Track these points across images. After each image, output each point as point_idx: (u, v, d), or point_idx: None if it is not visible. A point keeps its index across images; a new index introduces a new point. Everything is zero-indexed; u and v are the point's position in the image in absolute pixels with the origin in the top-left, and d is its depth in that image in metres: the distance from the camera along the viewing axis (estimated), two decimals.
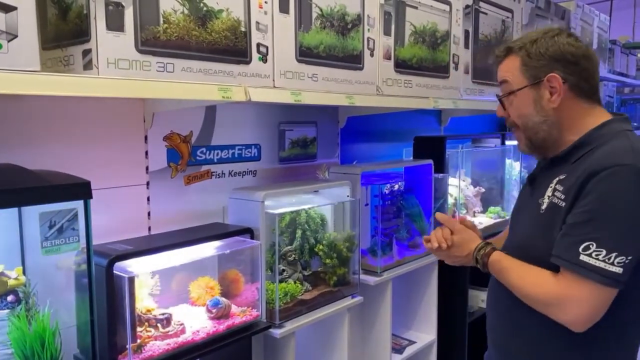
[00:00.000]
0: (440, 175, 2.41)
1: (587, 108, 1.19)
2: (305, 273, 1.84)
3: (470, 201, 2.87)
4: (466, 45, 2.33)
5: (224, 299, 1.53)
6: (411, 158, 2.61)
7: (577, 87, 1.18)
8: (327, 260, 1.83)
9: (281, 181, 2.12)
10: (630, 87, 5.55)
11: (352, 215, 1.91)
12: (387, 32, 1.87)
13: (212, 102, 1.42)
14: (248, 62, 1.41)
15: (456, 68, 2.27)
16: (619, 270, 1.05)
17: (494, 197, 3.00)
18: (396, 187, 2.39)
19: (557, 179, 1.18)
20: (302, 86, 1.56)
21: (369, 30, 1.79)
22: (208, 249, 1.52)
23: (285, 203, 1.81)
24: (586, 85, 1.18)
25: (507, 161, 3.13)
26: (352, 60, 1.74)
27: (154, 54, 1.20)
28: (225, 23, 1.34)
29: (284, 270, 1.78)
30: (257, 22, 1.42)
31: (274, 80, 1.48)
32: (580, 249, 1.07)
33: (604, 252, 1.05)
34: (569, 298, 1.10)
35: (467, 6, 2.29)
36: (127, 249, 1.32)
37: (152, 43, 1.20)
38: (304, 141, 2.23)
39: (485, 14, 2.44)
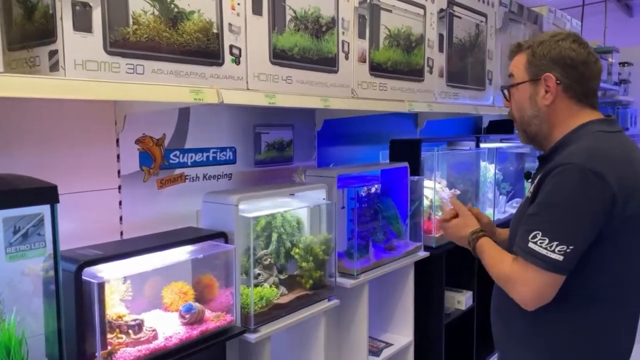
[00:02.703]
0: (416, 177, 2.43)
1: (577, 109, 1.29)
2: (282, 277, 1.82)
3: (446, 203, 2.89)
4: (440, 49, 2.36)
5: (197, 304, 1.51)
6: (387, 161, 2.62)
7: (570, 89, 1.28)
8: (303, 264, 1.82)
9: (257, 184, 2.10)
10: (601, 91, 5.68)
11: (328, 218, 1.90)
12: (361, 36, 1.88)
13: (183, 104, 1.41)
14: (220, 64, 1.39)
15: (431, 71, 2.29)
16: (559, 257, 1.17)
17: (469, 199, 3.03)
18: (373, 189, 2.40)
19: (538, 176, 1.29)
20: (277, 89, 1.55)
21: (343, 33, 1.79)
22: (181, 254, 1.50)
23: (260, 206, 1.80)
24: (580, 88, 1.28)
25: (482, 164, 3.16)
26: (327, 63, 1.74)
27: (124, 56, 1.18)
28: (197, 24, 1.32)
29: (259, 274, 1.76)
30: (230, 24, 1.41)
31: (247, 82, 1.47)
32: (529, 237, 1.20)
33: (547, 241, 1.18)
34: (518, 279, 1.24)
35: (441, 10, 2.31)
36: (97, 254, 1.29)
37: (122, 44, 1.18)
38: (280, 144, 2.22)
39: (460, 18, 2.47)
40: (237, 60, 1.43)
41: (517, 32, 3.06)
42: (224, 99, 1.36)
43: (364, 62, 1.90)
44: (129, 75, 1.20)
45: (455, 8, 2.43)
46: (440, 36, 2.35)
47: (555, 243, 1.17)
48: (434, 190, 2.59)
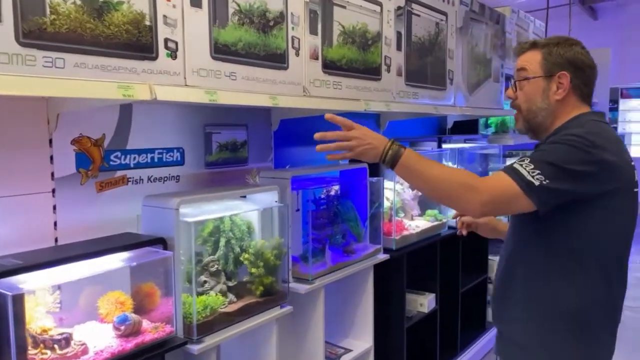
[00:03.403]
0: (375, 179, 2.37)
1: (579, 106, 1.44)
2: (230, 284, 1.74)
3: (408, 204, 2.85)
4: (398, 47, 2.31)
5: (133, 314, 1.42)
6: (347, 162, 2.56)
7: (578, 89, 1.43)
8: (253, 270, 1.74)
9: (208, 187, 2.01)
10: None
11: (280, 221, 1.83)
12: (313, 32, 1.81)
13: (111, 101, 1.31)
14: (154, 59, 1.31)
15: (388, 70, 2.23)
16: (535, 182, 1.26)
17: (432, 200, 2.99)
18: (331, 191, 2.34)
19: None
20: (219, 85, 1.47)
21: (293, 28, 1.72)
22: (115, 262, 1.40)
23: (207, 210, 1.71)
24: (585, 88, 1.44)
25: (447, 164, 3.13)
26: (276, 60, 1.66)
27: (40, 48, 1.09)
28: (127, 16, 1.23)
29: (205, 282, 1.67)
30: (165, 16, 1.32)
31: (185, 78, 1.39)
32: (518, 160, 1.33)
33: (532, 167, 1.28)
34: (484, 182, 1.33)
35: (399, 7, 2.26)
36: (15, 264, 1.18)
37: (37, 35, 1.08)
38: (233, 145, 2.14)
39: (418, 15, 2.43)
40: (173, 55, 1.35)
41: (478, 31, 3.04)
42: (157, 95, 1.27)
43: (317, 59, 1.83)
44: (47, 69, 1.10)
45: (414, 6, 2.39)
46: (398, 34, 2.30)
47: (538, 172, 1.27)
48: (394, 191, 2.54)
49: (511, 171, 1.30)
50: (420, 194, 2.89)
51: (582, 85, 1.43)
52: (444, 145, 3.14)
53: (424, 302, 2.73)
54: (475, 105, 3.04)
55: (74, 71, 1.14)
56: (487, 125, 3.78)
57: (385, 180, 2.58)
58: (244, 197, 1.86)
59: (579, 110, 1.43)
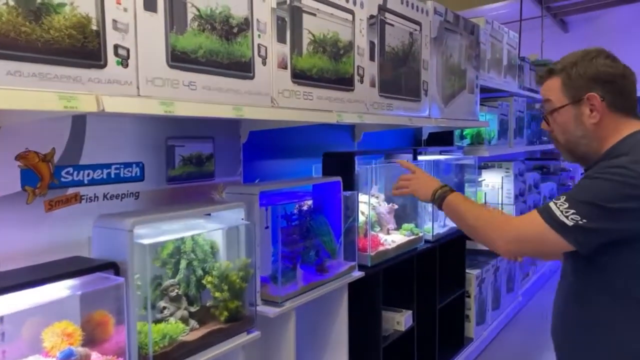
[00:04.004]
0: (349, 192, 2.28)
1: (624, 121, 1.32)
2: (192, 309, 1.61)
3: (384, 218, 2.77)
4: (372, 58, 2.23)
5: (80, 348, 1.28)
6: (320, 175, 2.47)
7: (613, 104, 1.32)
8: (217, 294, 1.62)
9: (170, 204, 1.89)
10: (540, 103, 5.79)
11: (247, 240, 1.71)
12: (281, 40, 1.71)
13: (52, 113, 1.19)
14: (102, 66, 1.19)
15: (361, 81, 2.15)
16: (569, 222, 1.22)
17: (409, 214, 2.92)
18: (304, 206, 2.24)
19: None
20: (176, 95, 1.36)
21: (259, 36, 1.62)
22: (60, 289, 1.27)
23: (168, 230, 1.59)
24: (622, 101, 1.32)
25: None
26: (240, 68, 1.56)
27: None
28: (70, 20, 1.12)
29: (165, 308, 1.55)
30: (115, 20, 1.21)
31: (138, 87, 1.27)
32: (554, 199, 1.28)
33: (566, 205, 1.23)
34: (511, 222, 1.33)
35: (371, 16, 2.19)
36: None
37: None
38: (198, 158, 2.02)
39: (392, 25, 2.36)
40: (124, 63, 1.23)
41: (453, 42, 2.99)
42: (105, 106, 1.16)
43: (285, 68, 1.74)
44: None
45: (387, 15, 2.32)
46: (372, 44, 2.22)
47: (572, 211, 1.22)
48: (369, 205, 2.45)
49: (543, 210, 1.27)
50: (396, 207, 2.81)
51: (618, 99, 1.31)
52: (420, 157, 3.08)
53: (400, 320, 2.63)
54: (450, 117, 2.98)
55: (6, 80, 1.02)
56: (462, 137, 3.74)
57: (360, 194, 2.50)
58: (209, 214, 1.74)
59: (627, 128, 1.32)
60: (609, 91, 1.31)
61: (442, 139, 3.70)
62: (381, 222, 2.77)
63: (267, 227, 1.88)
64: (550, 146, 5.69)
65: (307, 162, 2.57)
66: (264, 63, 1.64)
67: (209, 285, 1.61)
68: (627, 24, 8.46)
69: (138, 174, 1.79)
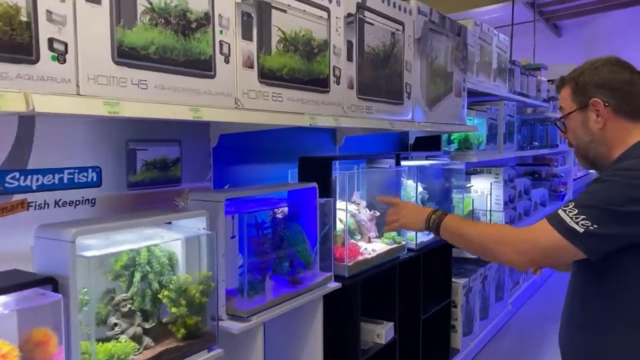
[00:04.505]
0: (324, 199, 2.17)
1: (631, 127, 1.35)
2: (147, 325, 1.50)
3: (365, 226, 2.66)
4: (349, 58, 2.12)
5: None
6: (297, 181, 2.36)
7: (620, 109, 1.35)
8: (174, 309, 1.50)
9: (130, 211, 1.78)
10: (532, 107, 5.70)
11: (209, 251, 1.60)
12: (247, 37, 1.61)
13: None
14: (34, 62, 1.08)
15: (338, 82, 2.04)
16: (580, 229, 1.21)
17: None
18: (278, 214, 2.13)
19: None
20: (124, 94, 1.25)
21: (222, 32, 1.51)
22: None
23: (122, 240, 1.47)
24: (629, 107, 1.35)
25: (408, 182, 2.96)
26: (199, 67, 1.45)
27: None
28: None
29: (116, 325, 1.43)
30: (49, 12, 1.09)
31: (78, 86, 1.16)
32: (562, 206, 1.27)
33: (575, 212, 1.23)
34: (522, 235, 1.32)
35: (349, 14, 2.09)
36: None
37: None
38: (163, 163, 1.91)
39: (372, 24, 2.26)
40: (61, 58, 1.12)
41: (438, 43, 2.90)
42: (35, 106, 1.04)
43: (251, 67, 1.63)
44: None
45: (367, 14, 2.22)
46: (349, 43, 2.12)
47: (582, 217, 1.21)
48: (346, 212, 2.34)
49: (552, 218, 1.26)
50: (377, 214, 2.70)
51: (622, 104, 1.35)
52: (403, 163, 2.97)
53: (381, 333, 2.52)
54: (436, 121, 2.88)
55: None
56: (450, 142, 3.64)
57: (338, 201, 2.39)
58: (170, 222, 1.63)
59: (636, 133, 1.35)
60: (614, 97, 1.35)
61: (429, 143, 3.60)
62: (362, 230, 2.66)
63: (233, 237, 1.76)
64: (542, 151, 5.60)
65: (283, 167, 2.46)
66: (227, 61, 1.54)
67: (165, 300, 1.50)
68: (621, 28, 8.41)
69: (94, 179, 1.68)
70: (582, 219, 1.22)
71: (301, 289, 1.99)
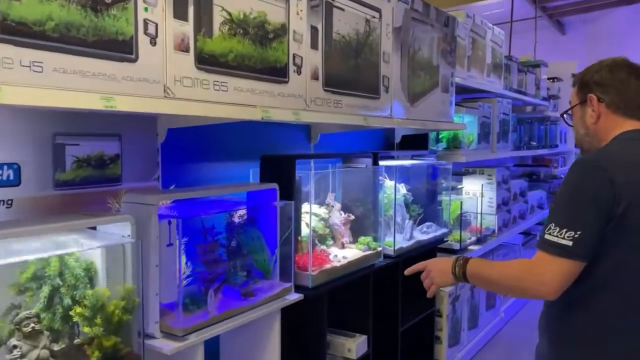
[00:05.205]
0: (284, 202, 1.96)
1: (621, 122, 1.42)
2: (56, 347, 1.30)
3: (338, 230, 2.45)
4: (314, 46, 1.91)
5: None
6: (258, 181, 2.15)
7: (613, 104, 1.43)
8: (86, 329, 1.30)
9: (61, 213, 1.58)
10: (532, 106, 5.47)
11: (134, 262, 1.40)
12: (180, 16, 1.40)
13: None
14: None
15: (299, 72, 1.84)
16: (569, 243, 1.26)
17: (371, 225, 2.60)
18: (234, 218, 1.92)
19: None
20: (10, 78, 1.05)
21: (146, 9, 1.31)
22: None
23: (29, 248, 1.27)
24: (622, 103, 1.42)
25: (389, 183, 2.75)
26: (115, 48, 1.25)
27: None
28: None
29: (14, 347, 1.23)
30: None
31: None
32: (546, 230, 1.31)
33: (558, 229, 1.28)
34: (532, 271, 1.32)
35: None
36: None
37: None
38: (99, 159, 1.70)
39: (342, 9, 2.05)
40: None
41: (422, 33, 2.68)
42: None
43: (186, 51, 1.42)
44: None
45: None
46: (314, 29, 1.91)
47: (565, 230, 1.27)
48: (310, 215, 2.13)
49: (543, 244, 1.30)
50: (352, 217, 2.49)
51: (616, 100, 1.42)
52: (386, 162, 2.76)
53: (352, 347, 2.31)
54: (418, 118, 2.67)
55: None
56: (438, 140, 3.42)
57: (305, 204, 2.18)
58: (94, 227, 1.43)
59: (621, 128, 1.42)
60: (607, 93, 1.43)
61: (416, 142, 3.39)
62: (335, 234, 2.46)
63: (170, 245, 1.56)
64: (541, 152, 5.37)
65: (247, 166, 2.25)
66: (153, 43, 1.33)
67: (77, 318, 1.30)
68: (627, 25, 8.15)
69: (12, 177, 1.48)
70: (565, 232, 1.27)
71: (253, 302, 1.78)
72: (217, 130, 2.11)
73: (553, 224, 1.30)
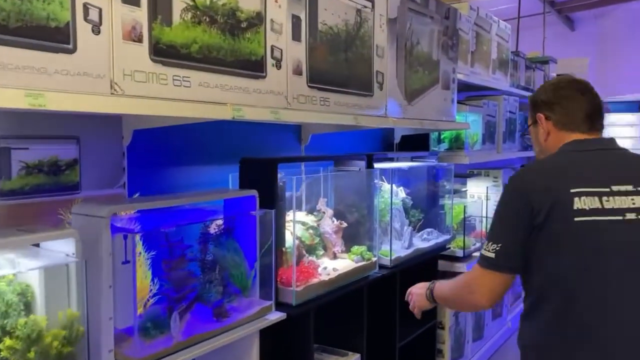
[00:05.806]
0: (263, 211, 1.77)
1: (567, 136, 1.46)
2: None
3: (330, 239, 2.25)
4: (296, 37, 1.72)
5: None
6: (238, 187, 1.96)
7: (559, 122, 1.48)
8: None
9: (2, 227, 1.40)
10: None
11: (79, 284, 1.21)
12: (131, 1, 1.21)
13: None
14: None
15: (278, 66, 1.65)
16: (492, 255, 1.36)
17: (366, 232, 2.40)
18: (210, 229, 1.74)
19: None
20: None
21: None
22: None
23: None
24: (567, 119, 1.47)
25: (387, 187, 2.55)
26: (47, 37, 1.06)
27: None
28: None
29: None
30: None
31: None
32: (484, 245, 1.40)
33: (487, 243, 1.39)
34: (469, 282, 1.47)
35: None
36: None
37: None
38: (53, 165, 1.52)
39: None
40: None
41: (421, 26, 2.48)
42: None
43: (138, 41, 1.23)
44: None
45: None
46: (296, 19, 1.71)
47: (490, 243, 1.37)
48: (294, 224, 1.94)
49: (480, 259, 1.39)
50: (344, 225, 2.30)
51: (561, 116, 1.47)
52: (383, 165, 2.56)
53: None
54: (416, 117, 2.47)
55: None
56: (440, 141, 3.21)
57: (290, 212, 1.99)
58: (37, 244, 1.25)
59: (562, 143, 1.46)
60: (552, 111, 1.48)
61: (416, 142, 3.18)
62: (326, 243, 2.26)
63: (126, 262, 1.37)
64: None
65: (227, 171, 2.06)
66: (96, 31, 1.14)
67: (4, 353, 1.11)
68: (638, 20, 7.88)
69: None
70: (490, 245, 1.36)
71: (227, 324, 1.60)
72: (193, 132, 1.92)
73: (487, 240, 1.40)
